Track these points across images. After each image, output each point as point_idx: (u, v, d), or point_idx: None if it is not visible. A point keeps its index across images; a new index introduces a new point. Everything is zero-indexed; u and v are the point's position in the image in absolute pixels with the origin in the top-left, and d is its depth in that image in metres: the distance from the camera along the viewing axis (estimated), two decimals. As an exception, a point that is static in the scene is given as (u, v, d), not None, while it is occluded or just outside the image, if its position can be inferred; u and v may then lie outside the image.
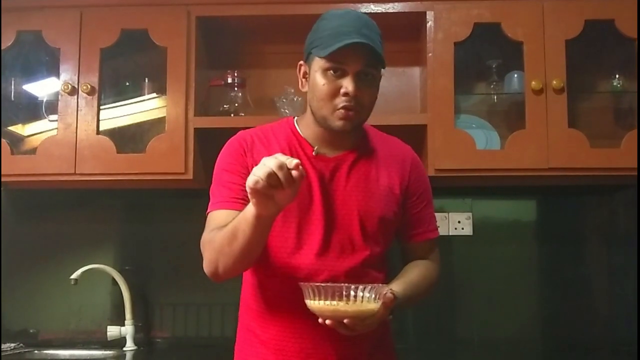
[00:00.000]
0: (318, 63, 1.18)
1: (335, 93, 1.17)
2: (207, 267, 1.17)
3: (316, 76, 1.19)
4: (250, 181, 0.98)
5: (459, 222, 2.09)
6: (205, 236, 1.17)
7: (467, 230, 2.09)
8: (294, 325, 1.19)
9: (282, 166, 0.97)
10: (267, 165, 0.97)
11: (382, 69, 1.21)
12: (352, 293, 1.05)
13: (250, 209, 1.03)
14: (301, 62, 1.25)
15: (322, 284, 1.07)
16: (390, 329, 1.33)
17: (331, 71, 1.17)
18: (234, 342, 1.31)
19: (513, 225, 2.13)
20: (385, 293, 1.08)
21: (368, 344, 1.23)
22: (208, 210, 1.21)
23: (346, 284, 1.07)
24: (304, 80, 1.25)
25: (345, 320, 1.05)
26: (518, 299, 2.07)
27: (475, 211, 2.10)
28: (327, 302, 1.06)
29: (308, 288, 1.08)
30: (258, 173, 0.97)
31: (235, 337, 1.31)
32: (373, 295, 1.07)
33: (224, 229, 1.10)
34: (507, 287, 2.08)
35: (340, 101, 1.17)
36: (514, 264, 2.09)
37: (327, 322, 1.06)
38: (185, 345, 2.09)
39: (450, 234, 2.07)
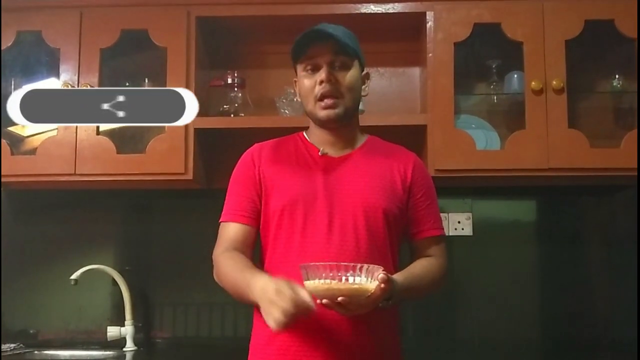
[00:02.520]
0: (299, 69, 1.35)
1: (313, 85, 1.31)
2: (217, 280, 1.32)
3: (300, 80, 1.35)
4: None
5: (459, 222, 2.08)
6: (219, 258, 1.30)
7: (467, 230, 2.08)
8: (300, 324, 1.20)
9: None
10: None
11: (361, 62, 1.35)
12: (346, 272, 1.09)
13: (253, 289, 1.14)
14: (295, 78, 1.40)
15: (317, 264, 1.10)
16: (398, 331, 1.35)
17: (308, 70, 1.32)
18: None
19: (513, 225, 2.12)
20: (379, 275, 1.11)
21: (373, 339, 1.25)
22: (220, 219, 1.35)
23: (341, 263, 1.10)
24: (299, 92, 1.39)
25: (339, 298, 1.09)
26: (518, 299, 2.07)
27: (475, 211, 2.10)
28: (322, 281, 1.09)
29: (305, 269, 1.12)
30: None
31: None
32: (366, 275, 1.10)
33: (235, 274, 1.24)
34: (507, 287, 2.07)
35: (318, 90, 1.30)
36: (513, 264, 2.09)
37: (323, 301, 1.10)
38: (185, 346, 2.09)
39: (450, 234, 2.06)
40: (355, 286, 1.09)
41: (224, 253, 1.30)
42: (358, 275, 1.10)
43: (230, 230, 1.32)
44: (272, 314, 1.06)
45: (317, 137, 1.38)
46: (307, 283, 1.12)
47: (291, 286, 1.07)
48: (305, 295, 1.07)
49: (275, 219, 1.30)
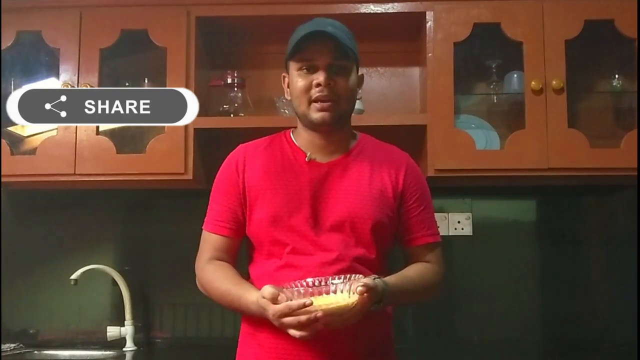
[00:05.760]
0: (293, 67, 1.27)
1: (309, 87, 1.24)
2: (200, 289, 1.32)
3: (293, 78, 1.28)
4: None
5: (458, 222, 2.08)
6: (204, 269, 1.29)
7: (467, 230, 2.08)
8: None
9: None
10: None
11: (357, 64, 1.30)
12: (326, 288, 1.07)
13: (248, 310, 1.18)
14: (284, 74, 1.33)
15: (292, 288, 1.09)
16: (391, 333, 1.33)
17: (304, 69, 1.25)
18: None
19: (513, 225, 2.12)
20: (357, 287, 1.08)
21: (364, 345, 1.23)
22: (203, 226, 1.33)
23: (318, 280, 1.10)
24: (288, 89, 1.32)
25: (319, 314, 1.06)
26: (518, 299, 2.07)
27: (475, 211, 2.09)
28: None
29: (282, 292, 1.10)
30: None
31: (234, 336, 1.34)
32: (347, 285, 1.08)
33: (227, 287, 1.23)
34: (506, 287, 2.07)
35: (314, 92, 1.24)
36: (513, 264, 2.09)
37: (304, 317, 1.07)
38: (185, 346, 2.09)
39: (450, 234, 2.06)
40: (332, 306, 1.06)
41: (207, 265, 1.28)
42: (339, 292, 1.07)
43: (212, 241, 1.30)
44: (294, 335, 1.09)
45: (305, 140, 1.31)
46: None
47: (280, 307, 1.09)
48: (293, 302, 1.07)
49: (261, 230, 1.26)
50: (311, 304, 1.06)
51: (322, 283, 1.10)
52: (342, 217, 1.24)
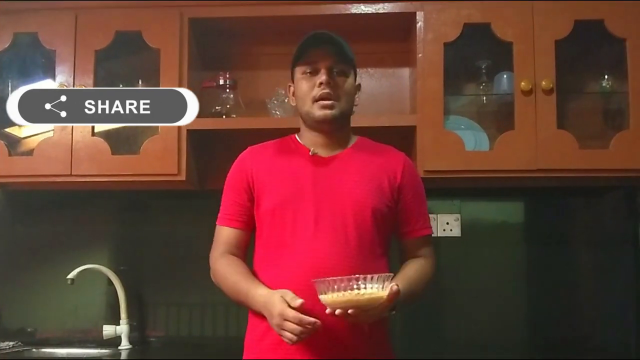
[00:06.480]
0: (298, 72, 1.40)
1: (312, 87, 1.36)
2: (213, 279, 1.40)
3: (298, 82, 1.40)
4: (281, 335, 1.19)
5: (447, 223, 2.08)
6: (217, 262, 1.38)
7: (456, 231, 2.08)
8: None
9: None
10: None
11: (354, 71, 1.43)
12: (357, 282, 1.14)
13: (254, 300, 1.26)
14: (289, 83, 1.46)
15: (330, 278, 1.15)
16: (388, 335, 1.37)
17: (308, 72, 1.38)
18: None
19: (501, 226, 2.12)
20: (391, 285, 1.15)
21: (361, 335, 1.27)
22: (216, 222, 1.42)
23: (355, 276, 1.15)
24: (293, 97, 1.44)
25: (349, 311, 1.13)
26: (506, 300, 2.07)
27: (463, 212, 2.09)
28: (339, 294, 1.14)
29: (319, 283, 1.16)
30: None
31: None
32: (381, 285, 1.15)
33: (236, 279, 1.32)
34: (495, 288, 2.07)
35: (317, 91, 1.35)
36: (502, 266, 2.09)
37: (337, 312, 1.15)
38: (179, 344, 2.11)
39: (438, 235, 2.06)
40: (373, 295, 1.14)
41: (221, 258, 1.37)
42: (369, 284, 1.14)
43: (224, 234, 1.40)
44: (285, 337, 1.18)
45: (308, 139, 1.42)
46: (324, 297, 1.16)
47: (293, 313, 1.15)
48: (305, 317, 1.15)
49: (267, 220, 1.35)
50: (320, 326, 1.14)
51: (353, 282, 1.16)
52: (343, 206, 1.32)
